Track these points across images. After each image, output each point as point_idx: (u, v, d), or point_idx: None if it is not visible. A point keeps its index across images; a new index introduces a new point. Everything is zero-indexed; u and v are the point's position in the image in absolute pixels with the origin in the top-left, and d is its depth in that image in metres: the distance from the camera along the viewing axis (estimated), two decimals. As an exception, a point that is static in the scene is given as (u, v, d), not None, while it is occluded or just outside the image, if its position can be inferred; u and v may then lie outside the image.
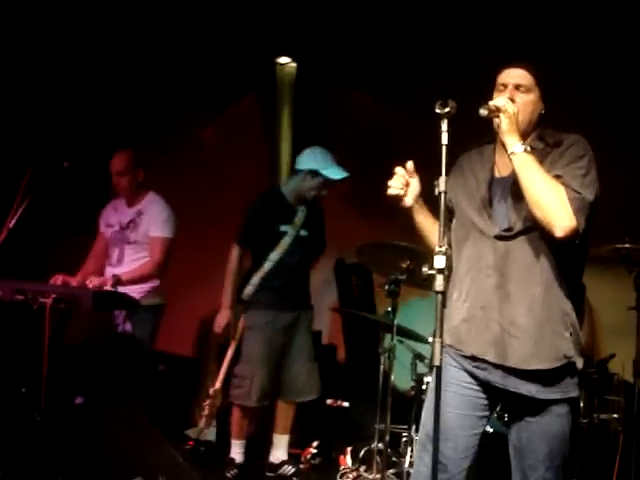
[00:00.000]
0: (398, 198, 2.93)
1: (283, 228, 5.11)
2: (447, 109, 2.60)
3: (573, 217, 2.71)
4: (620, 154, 5.06)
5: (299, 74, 7.02)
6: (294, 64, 7.02)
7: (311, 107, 6.92)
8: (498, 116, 2.80)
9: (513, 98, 2.87)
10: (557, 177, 2.78)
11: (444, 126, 2.61)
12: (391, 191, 2.92)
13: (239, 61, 6.45)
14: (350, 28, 5.93)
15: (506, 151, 2.82)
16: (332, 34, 6.06)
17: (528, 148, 2.79)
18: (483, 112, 2.79)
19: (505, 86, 2.91)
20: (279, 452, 5.23)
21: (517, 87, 2.90)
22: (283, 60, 7.00)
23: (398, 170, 2.93)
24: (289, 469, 5.17)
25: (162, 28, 5.96)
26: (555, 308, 2.84)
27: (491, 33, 5.57)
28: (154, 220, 4.97)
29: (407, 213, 3.01)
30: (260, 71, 6.91)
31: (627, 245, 4.41)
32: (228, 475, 5.02)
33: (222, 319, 5.19)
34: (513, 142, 2.79)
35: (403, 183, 2.92)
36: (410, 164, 2.94)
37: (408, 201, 2.96)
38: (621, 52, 5.23)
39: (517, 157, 2.78)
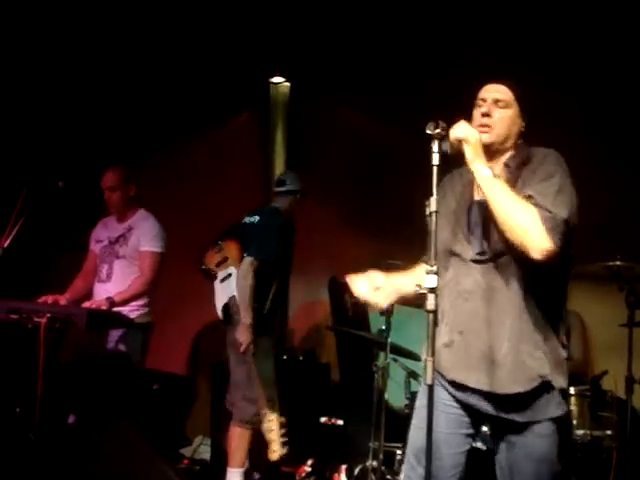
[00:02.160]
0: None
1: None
2: (438, 130, 2.62)
3: (548, 238, 2.67)
4: (610, 171, 5.10)
5: (292, 93, 7.08)
6: (287, 83, 7.08)
7: (304, 125, 6.97)
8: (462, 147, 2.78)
9: (490, 113, 2.88)
10: (529, 197, 2.75)
11: (435, 147, 2.62)
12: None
13: (234, 80, 6.50)
14: (342, 47, 5.98)
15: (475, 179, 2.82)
16: (325, 53, 6.11)
17: (496, 171, 2.79)
18: (446, 149, 2.71)
19: (484, 101, 2.92)
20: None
21: (496, 102, 2.90)
22: (277, 79, 7.06)
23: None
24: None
25: (158, 48, 6.00)
26: (529, 330, 2.81)
27: (478, 47, 5.61)
28: (144, 235, 4.98)
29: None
30: (254, 90, 6.96)
31: (618, 263, 4.43)
32: None
33: (249, 337, 4.90)
34: (480, 168, 2.77)
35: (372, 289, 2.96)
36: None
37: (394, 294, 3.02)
38: (603, 67, 5.27)
39: (485, 182, 2.76)
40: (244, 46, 6.08)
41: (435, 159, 2.62)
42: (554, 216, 2.71)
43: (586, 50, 5.29)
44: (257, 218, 5.13)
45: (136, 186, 5.08)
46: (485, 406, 2.87)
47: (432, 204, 2.60)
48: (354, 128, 6.62)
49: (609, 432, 4.51)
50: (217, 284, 5.07)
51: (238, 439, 4.97)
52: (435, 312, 2.56)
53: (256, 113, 7.15)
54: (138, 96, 6.31)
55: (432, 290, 2.55)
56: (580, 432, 4.47)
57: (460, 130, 2.78)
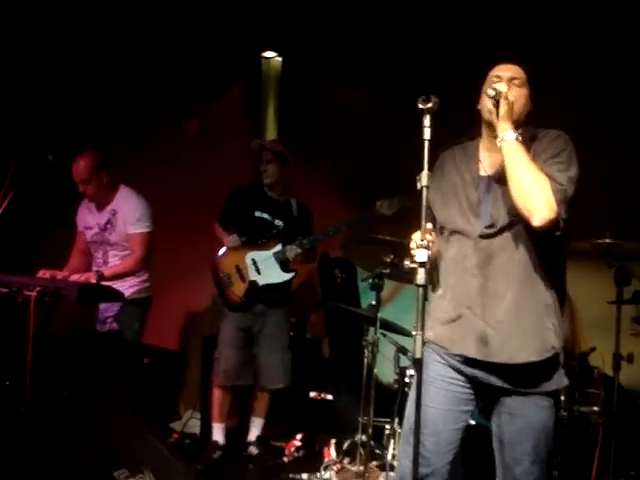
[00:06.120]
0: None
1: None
2: (429, 104, 2.61)
3: (555, 207, 2.73)
4: (601, 149, 5.09)
5: (284, 68, 7.05)
6: (279, 58, 7.05)
7: (296, 100, 6.94)
8: (498, 101, 2.82)
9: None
10: (540, 170, 2.79)
11: (426, 121, 2.62)
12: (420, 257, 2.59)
13: (226, 55, 6.46)
14: (334, 22, 5.95)
15: (495, 137, 2.85)
16: (317, 28, 6.08)
17: (519, 138, 2.81)
18: (491, 92, 2.82)
19: (499, 78, 2.93)
20: (250, 434, 5.39)
21: (511, 80, 2.92)
22: (269, 54, 7.03)
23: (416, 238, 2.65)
24: (254, 450, 5.32)
25: (149, 22, 5.95)
26: (538, 301, 2.88)
27: (476, 27, 5.59)
28: (130, 218, 4.96)
29: None
30: (246, 65, 6.93)
31: (607, 240, 4.44)
32: (214, 456, 5.17)
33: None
34: (506, 128, 2.82)
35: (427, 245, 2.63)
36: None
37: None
38: (601, 44, 5.26)
39: (507, 144, 2.80)
40: (235, 20, 6.05)
41: (427, 133, 2.61)
42: (565, 189, 2.78)
43: (584, 31, 5.28)
44: None
45: (107, 171, 4.97)
46: (493, 378, 2.91)
47: (423, 179, 2.60)
48: (345, 103, 6.61)
49: (596, 408, 4.54)
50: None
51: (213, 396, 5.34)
52: (425, 287, 2.57)
53: (248, 88, 7.12)
54: (129, 71, 6.26)
55: (422, 264, 2.55)
56: (567, 408, 4.49)
57: (502, 85, 2.84)
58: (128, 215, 4.97)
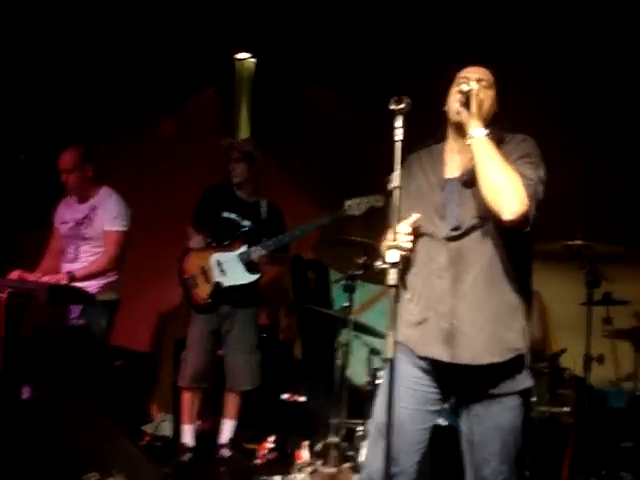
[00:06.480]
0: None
1: None
2: (402, 105, 2.63)
3: (525, 201, 2.75)
4: (573, 151, 5.14)
5: (258, 69, 7.05)
6: (253, 59, 7.05)
7: (269, 101, 6.94)
8: (468, 99, 2.84)
9: None
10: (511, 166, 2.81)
11: (398, 122, 2.63)
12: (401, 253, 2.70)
13: (199, 56, 6.44)
14: (308, 23, 5.96)
15: (462, 137, 2.88)
16: (290, 30, 6.08)
17: (489, 135, 2.84)
18: (465, 87, 2.84)
19: (467, 79, 2.94)
20: (222, 436, 5.35)
21: (478, 81, 2.94)
22: (242, 56, 7.03)
23: (402, 230, 2.83)
24: (225, 452, 5.29)
25: (124, 24, 5.92)
26: (503, 303, 2.89)
27: (449, 30, 5.62)
28: (107, 214, 4.96)
29: None
30: (220, 66, 6.91)
31: (578, 242, 4.48)
32: (183, 459, 5.15)
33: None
34: (476, 125, 2.84)
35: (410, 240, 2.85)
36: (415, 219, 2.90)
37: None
38: (576, 45, 5.31)
39: (477, 140, 2.82)
40: (209, 22, 6.03)
41: (398, 134, 2.63)
42: (535, 184, 2.81)
43: (553, 30, 5.32)
44: None
45: (93, 166, 5.01)
46: (456, 378, 2.92)
47: (394, 180, 2.61)
48: (318, 104, 6.62)
49: (567, 409, 4.58)
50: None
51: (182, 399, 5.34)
52: (397, 287, 2.57)
53: (222, 89, 7.10)
54: (104, 72, 6.23)
55: (394, 265, 2.56)
56: (538, 409, 4.52)
57: (473, 83, 2.87)
58: (107, 212, 4.97)
